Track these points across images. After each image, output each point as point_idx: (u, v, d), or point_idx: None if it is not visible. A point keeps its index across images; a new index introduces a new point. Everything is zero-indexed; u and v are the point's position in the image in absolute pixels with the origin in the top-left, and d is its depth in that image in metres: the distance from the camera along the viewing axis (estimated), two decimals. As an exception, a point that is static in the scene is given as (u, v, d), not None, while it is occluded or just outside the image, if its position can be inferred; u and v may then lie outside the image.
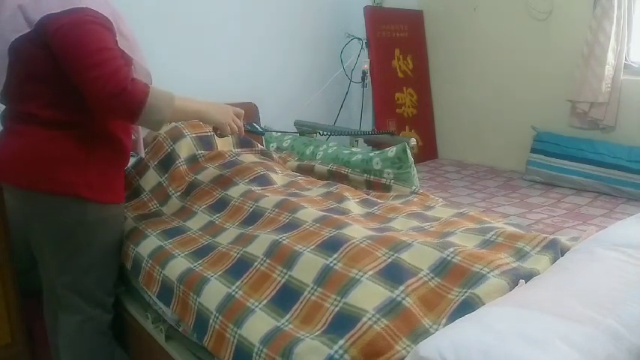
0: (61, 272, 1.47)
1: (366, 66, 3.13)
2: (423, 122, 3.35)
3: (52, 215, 1.39)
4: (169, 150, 1.84)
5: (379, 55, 3.13)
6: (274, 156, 2.06)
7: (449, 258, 1.15)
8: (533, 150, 2.72)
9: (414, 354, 0.80)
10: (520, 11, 2.81)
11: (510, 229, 1.36)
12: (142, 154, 1.72)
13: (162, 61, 2.62)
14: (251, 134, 1.75)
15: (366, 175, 1.87)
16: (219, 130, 1.53)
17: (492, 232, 1.30)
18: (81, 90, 1.25)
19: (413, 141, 1.92)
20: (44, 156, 1.33)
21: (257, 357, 1.04)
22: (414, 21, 3.31)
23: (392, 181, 1.82)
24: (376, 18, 3.14)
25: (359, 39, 3.22)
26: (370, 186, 1.87)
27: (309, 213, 1.45)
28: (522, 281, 1.03)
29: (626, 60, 2.51)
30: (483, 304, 1.00)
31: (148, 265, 1.43)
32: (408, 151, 1.83)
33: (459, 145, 3.28)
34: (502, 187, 2.58)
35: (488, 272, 1.08)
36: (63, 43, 1.22)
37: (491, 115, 3.05)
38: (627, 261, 1.00)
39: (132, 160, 1.92)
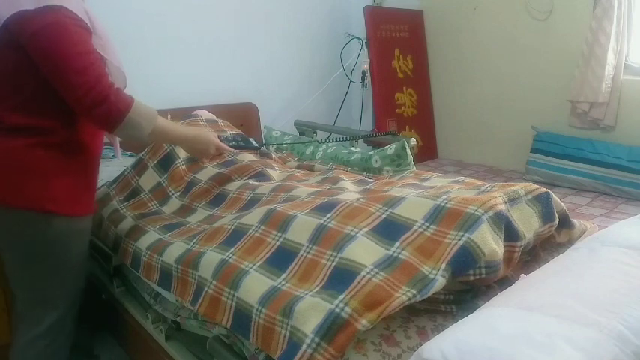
0: (25, 284, 1.38)
1: (366, 66, 3.13)
2: (423, 122, 3.35)
3: (17, 229, 1.31)
4: (169, 150, 1.83)
5: (379, 55, 3.13)
6: (273, 156, 2.05)
7: (442, 204, 1.12)
8: (533, 150, 2.72)
9: (417, 356, 0.80)
10: (520, 11, 2.81)
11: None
12: (119, 156, 1.68)
13: (162, 62, 2.63)
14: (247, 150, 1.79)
15: (365, 173, 1.87)
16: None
17: (487, 186, 1.29)
18: (62, 94, 1.21)
19: (413, 141, 1.91)
20: (9, 170, 1.26)
21: (256, 318, 1.02)
22: (414, 21, 3.31)
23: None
24: (376, 18, 3.14)
25: (359, 39, 3.22)
26: (370, 184, 1.87)
27: (304, 190, 1.47)
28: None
29: (626, 60, 2.51)
30: (482, 250, 1.00)
31: (147, 255, 1.42)
32: (407, 148, 1.82)
33: (459, 145, 3.27)
34: (502, 187, 2.58)
35: (482, 214, 1.06)
36: (44, 45, 1.16)
37: (492, 115, 3.06)
38: (630, 263, 0.99)
39: (131, 160, 1.92)
